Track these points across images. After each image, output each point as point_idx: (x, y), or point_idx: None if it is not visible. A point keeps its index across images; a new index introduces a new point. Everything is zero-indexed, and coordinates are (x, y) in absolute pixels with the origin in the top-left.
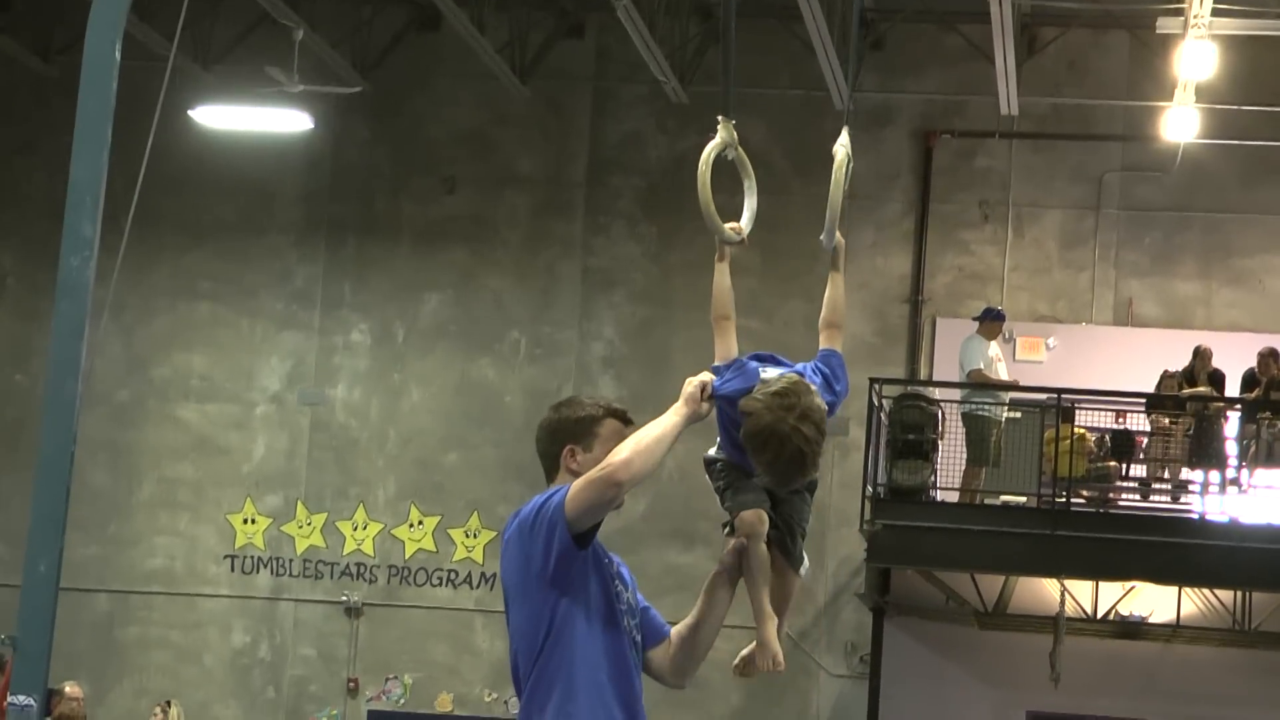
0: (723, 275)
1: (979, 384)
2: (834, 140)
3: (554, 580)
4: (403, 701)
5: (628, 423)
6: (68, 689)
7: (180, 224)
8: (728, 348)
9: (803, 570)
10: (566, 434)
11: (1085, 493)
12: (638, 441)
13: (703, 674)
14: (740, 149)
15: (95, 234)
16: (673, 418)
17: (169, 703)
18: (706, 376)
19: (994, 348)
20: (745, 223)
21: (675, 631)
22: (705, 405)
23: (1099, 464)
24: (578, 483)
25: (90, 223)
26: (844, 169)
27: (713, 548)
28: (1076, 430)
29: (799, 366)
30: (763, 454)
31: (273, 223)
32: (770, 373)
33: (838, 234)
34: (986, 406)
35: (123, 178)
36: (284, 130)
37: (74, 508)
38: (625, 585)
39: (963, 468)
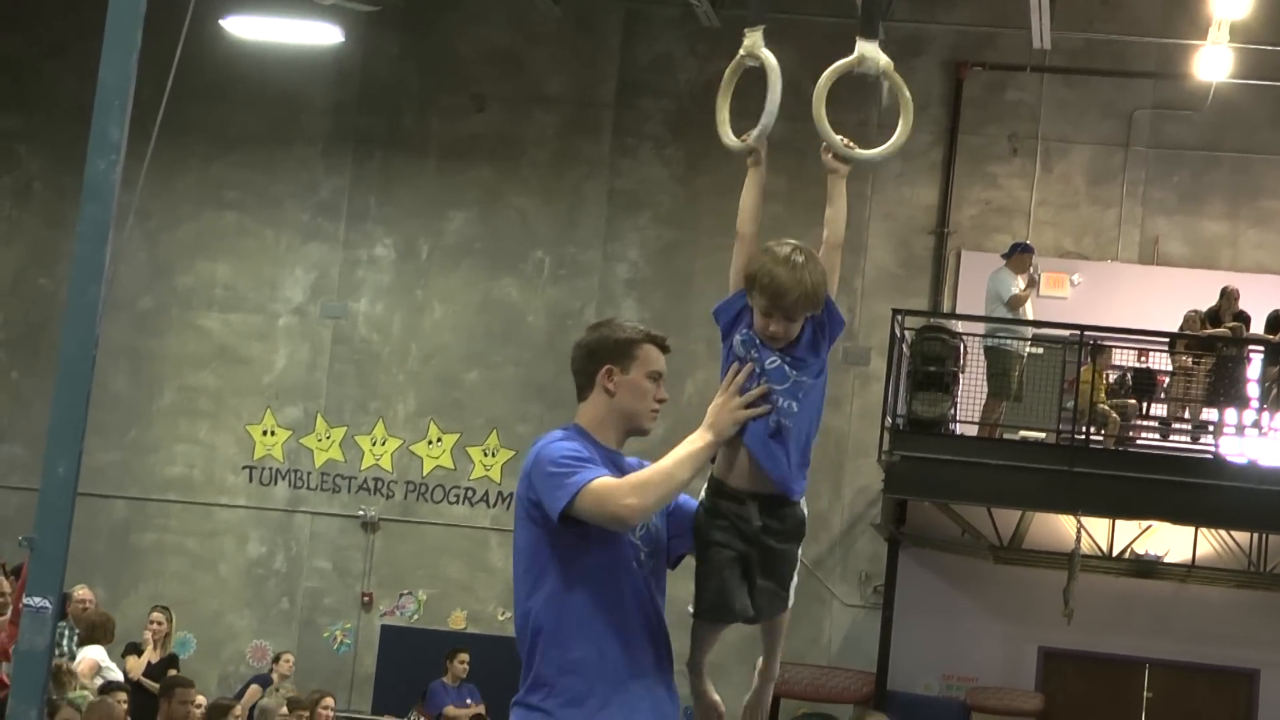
0: (749, 187)
1: (1000, 319)
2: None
3: (545, 521)
4: (416, 617)
5: (665, 350)
6: (78, 592)
7: (208, 133)
8: (738, 269)
9: (791, 602)
10: (606, 353)
11: (1104, 430)
12: (659, 479)
13: None
14: (766, 54)
15: (122, 137)
16: (701, 444)
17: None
18: (742, 415)
19: (1020, 281)
20: (761, 125)
21: None
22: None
23: (1120, 400)
24: (596, 495)
25: (117, 126)
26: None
27: None
28: (1099, 371)
29: None
30: (753, 293)
31: (300, 134)
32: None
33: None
34: (1009, 340)
35: (151, 85)
36: (314, 43)
37: (94, 413)
38: None
39: (983, 401)
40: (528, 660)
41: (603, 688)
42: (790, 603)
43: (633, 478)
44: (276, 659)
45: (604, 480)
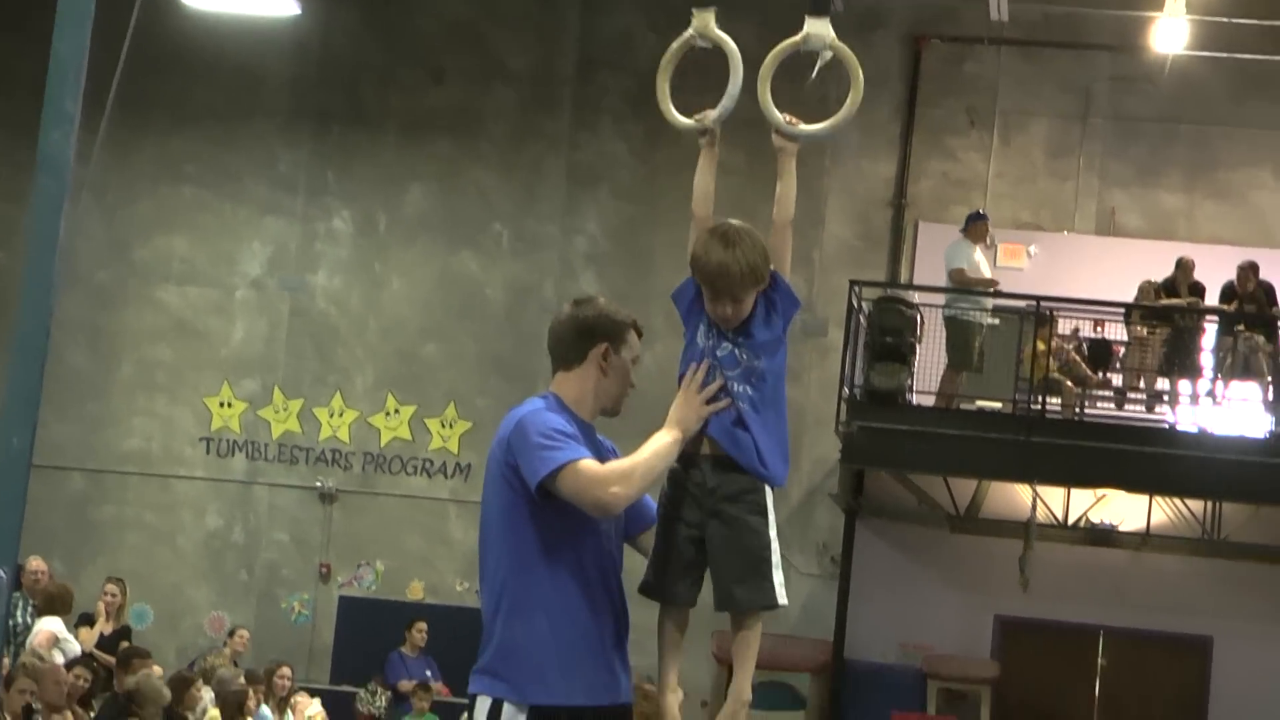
0: (703, 169)
1: (958, 289)
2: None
3: (522, 487)
4: (374, 588)
5: (641, 336)
6: (31, 563)
7: (165, 106)
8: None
9: (779, 600)
10: (604, 332)
11: (1059, 398)
12: (641, 469)
13: None
14: (721, 36)
15: (76, 109)
16: (670, 438)
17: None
18: (705, 411)
19: (980, 252)
20: (720, 108)
21: None
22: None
23: (1074, 368)
24: (582, 478)
25: (72, 98)
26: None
27: None
28: (1056, 341)
29: None
30: (695, 273)
31: (258, 108)
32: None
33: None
34: (970, 311)
35: (109, 58)
36: (271, 15)
37: (51, 387)
38: None
39: (941, 372)
40: (490, 627)
41: (564, 657)
42: (777, 601)
43: (617, 466)
44: (232, 633)
45: (590, 464)
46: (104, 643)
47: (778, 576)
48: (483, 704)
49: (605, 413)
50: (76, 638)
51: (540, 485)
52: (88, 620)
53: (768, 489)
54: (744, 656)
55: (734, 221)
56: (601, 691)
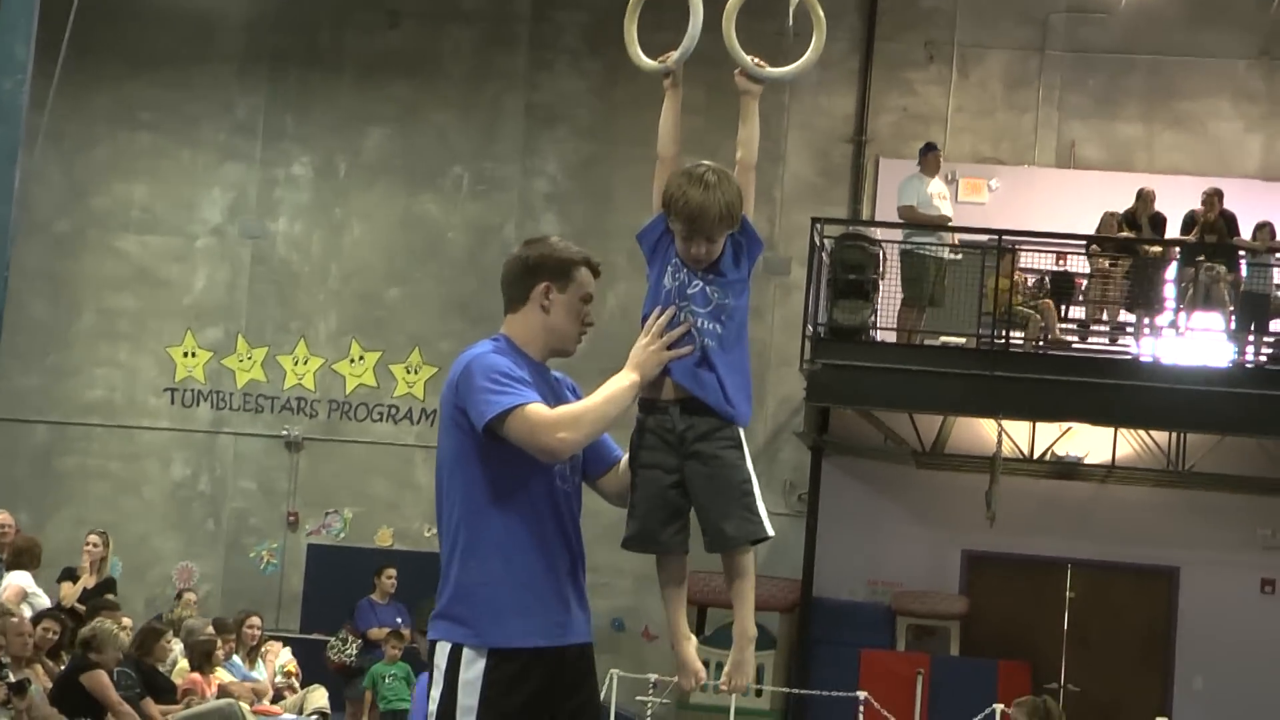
0: (667, 110)
1: (917, 224)
2: None
3: (471, 429)
4: (342, 535)
5: (597, 274)
6: None
7: (119, 52)
8: (659, 191)
9: (768, 531)
10: (547, 271)
11: (1023, 334)
12: (593, 414)
13: None
14: None
15: (29, 56)
16: (627, 382)
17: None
18: (665, 356)
19: (936, 184)
20: (681, 49)
21: (625, 461)
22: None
23: (1036, 301)
24: (530, 422)
25: (24, 44)
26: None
27: None
28: (1017, 276)
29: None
30: (670, 217)
31: (214, 52)
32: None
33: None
34: (924, 246)
35: (61, 4)
36: None
37: (13, 338)
38: None
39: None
40: (446, 571)
41: (521, 599)
42: (766, 532)
43: (566, 411)
44: (179, 595)
45: (537, 409)
46: (87, 596)
47: (761, 508)
48: (442, 649)
49: (557, 353)
50: (59, 592)
51: (487, 428)
52: (70, 574)
53: (739, 425)
54: (743, 593)
55: (707, 163)
56: (561, 631)
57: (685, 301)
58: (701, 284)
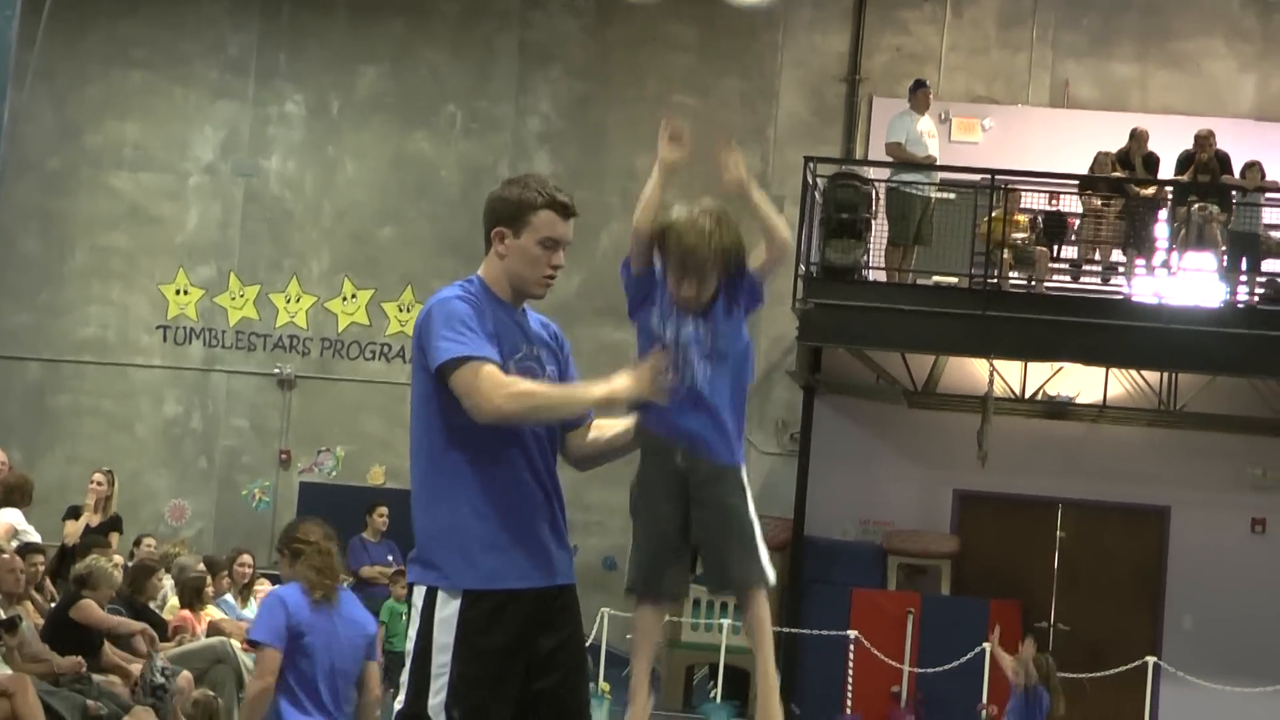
0: (655, 187)
1: (910, 162)
2: None
3: (435, 376)
4: (334, 474)
5: (568, 216)
6: None
7: None
8: (635, 256)
9: (770, 578)
10: (500, 215)
11: (1015, 273)
12: (541, 400)
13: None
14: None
15: None
16: (596, 393)
17: (108, 471)
18: (649, 395)
19: (926, 122)
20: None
21: (596, 425)
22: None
23: (1029, 247)
24: (474, 376)
25: None
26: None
27: None
28: (1012, 216)
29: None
30: (664, 255)
31: None
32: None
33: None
34: (916, 185)
35: None
36: None
37: (5, 275)
38: (540, 368)
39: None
40: (418, 514)
41: (492, 540)
42: (768, 577)
43: (520, 385)
44: (138, 541)
45: (491, 368)
46: (90, 534)
47: (764, 553)
48: (419, 593)
49: (524, 296)
50: (63, 530)
51: (439, 372)
52: (74, 513)
53: (741, 465)
54: (760, 639)
55: (710, 205)
56: (537, 574)
57: (681, 343)
58: (693, 327)
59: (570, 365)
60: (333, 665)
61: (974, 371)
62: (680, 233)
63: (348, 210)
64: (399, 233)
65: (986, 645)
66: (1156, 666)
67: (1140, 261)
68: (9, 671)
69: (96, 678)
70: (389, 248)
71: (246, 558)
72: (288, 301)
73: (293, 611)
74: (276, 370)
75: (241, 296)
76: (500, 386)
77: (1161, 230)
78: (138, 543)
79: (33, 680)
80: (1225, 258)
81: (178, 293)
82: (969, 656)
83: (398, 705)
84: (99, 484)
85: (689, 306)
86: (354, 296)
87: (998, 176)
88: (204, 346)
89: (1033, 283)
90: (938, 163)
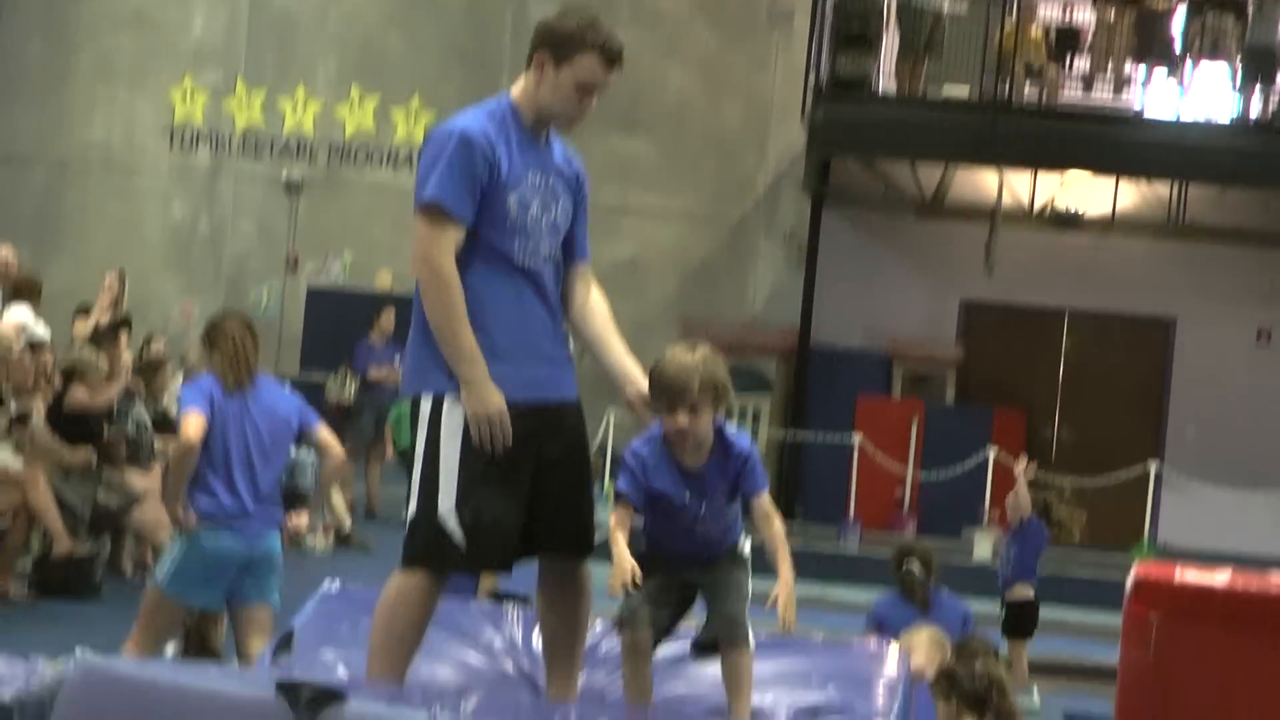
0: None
1: None
2: None
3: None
4: (342, 278)
5: (613, 67)
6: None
7: None
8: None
9: (750, 643)
10: (548, 41)
11: (1028, 87)
12: (441, 300)
13: (643, 259)
14: None
15: None
16: (479, 380)
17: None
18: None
19: None
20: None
21: (590, 309)
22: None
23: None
24: (430, 229)
25: None
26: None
27: (655, 132)
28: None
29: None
30: (653, 397)
31: None
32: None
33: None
34: None
35: None
36: None
37: (10, 78)
38: (554, 200)
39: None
40: (422, 328)
41: (496, 352)
42: (748, 643)
43: (450, 273)
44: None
45: (452, 234)
46: (99, 333)
47: (749, 623)
48: (425, 402)
49: (549, 124)
50: (72, 329)
51: (415, 200)
52: (84, 311)
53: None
54: (736, 687)
55: (698, 344)
56: (541, 387)
57: (682, 508)
58: (687, 491)
59: (585, 204)
60: (247, 451)
61: (982, 183)
62: (663, 370)
63: (354, 15)
64: (406, 39)
65: (990, 451)
66: (1159, 475)
67: (1155, 70)
68: (21, 465)
69: (107, 471)
70: (396, 54)
71: None
72: (294, 107)
73: (212, 396)
74: (283, 175)
75: (248, 101)
76: (435, 247)
77: (1175, 41)
78: (148, 341)
79: (44, 472)
80: (1239, 69)
81: (184, 97)
82: (971, 464)
83: (408, 514)
84: (111, 285)
85: (684, 441)
86: (361, 102)
87: None
88: (211, 151)
89: (1044, 96)
90: None
